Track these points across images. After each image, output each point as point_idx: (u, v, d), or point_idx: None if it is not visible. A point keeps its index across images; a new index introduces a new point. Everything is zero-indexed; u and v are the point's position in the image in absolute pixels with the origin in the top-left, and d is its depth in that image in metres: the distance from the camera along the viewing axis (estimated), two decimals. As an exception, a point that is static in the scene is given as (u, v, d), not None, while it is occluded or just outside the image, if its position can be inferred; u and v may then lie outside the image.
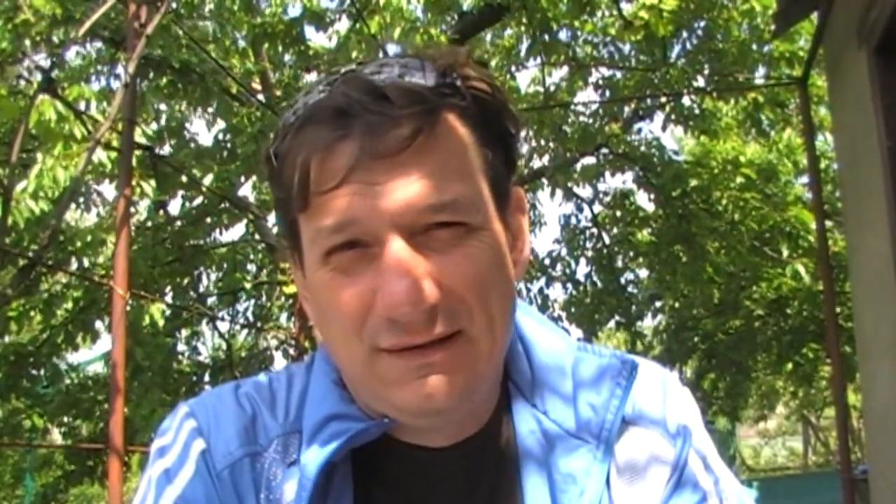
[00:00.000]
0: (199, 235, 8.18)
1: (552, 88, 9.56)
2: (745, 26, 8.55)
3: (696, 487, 0.81)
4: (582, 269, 10.37)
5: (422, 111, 0.70)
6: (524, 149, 9.53)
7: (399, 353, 0.71)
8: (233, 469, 0.78)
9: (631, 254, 10.26)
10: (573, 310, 10.15)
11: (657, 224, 9.78)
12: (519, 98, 9.10)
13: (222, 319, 8.56)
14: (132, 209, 5.62)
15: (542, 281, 10.19)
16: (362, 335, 0.71)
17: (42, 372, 7.12)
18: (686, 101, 9.02)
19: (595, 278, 10.32)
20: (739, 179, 8.94)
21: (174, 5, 6.49)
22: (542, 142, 9.82)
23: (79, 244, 6.25)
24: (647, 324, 11.90)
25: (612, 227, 10.40)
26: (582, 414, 0.80)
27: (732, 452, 18.21)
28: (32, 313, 6.98)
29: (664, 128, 12.82)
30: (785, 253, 9.08)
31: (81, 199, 6.80)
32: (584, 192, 10.35)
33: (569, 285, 10.35)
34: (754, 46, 8.55)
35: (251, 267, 9.20)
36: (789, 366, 10.73)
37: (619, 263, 10.38)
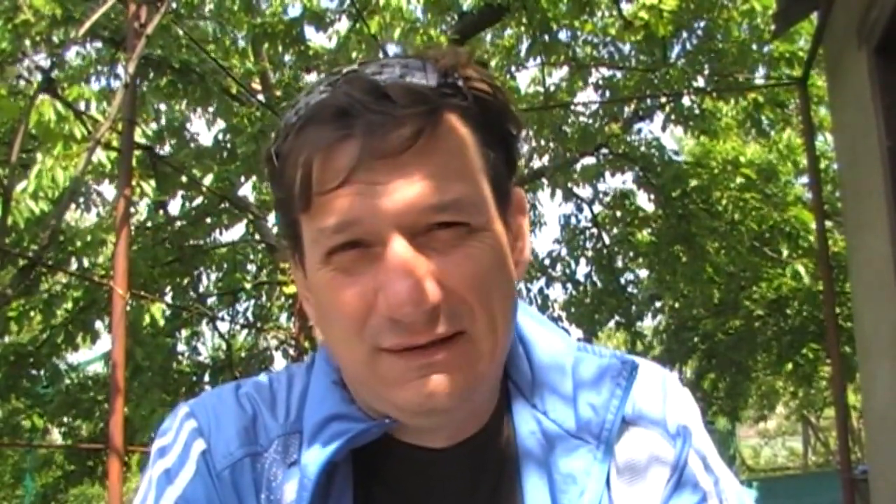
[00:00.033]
0: (199, 235, 8.18)
1: (552, 88, 9.56)
2: (745, 26, 8.55)
3: (696, 488, 0.81)
4: (582, 270, 10.38)
5: (424, 111, 0.70)
6: (524, 149, 9.52)
7: (400, 353, 0.71)
8: (233, 469, 0.78)
9: (631, 254, 10.26)
10: (573, 310, 10.15)
11: (657, 224, 9.78)
12: (519, 98, 9.10)
13: (222, 319, 8.57)
14: (132, 209, 5.62)
15: (542, 281, 10.20)
16: (363, 335, 0.71)
17: (42, 372, 7.12)
18: (686, 101, 9.02)
19: (595, 278, 10.32)
20: (739, 179, 8.94)
21: (174, 5, 6.49)
22: (542, 142, 9.82)
23: (79, 244, 6.25)
24: (647, 324, 11.92)
25: (612, 228, 10.40)
26: (582, 414, 0.80)
27: (732, 452, 18.21)
28: (32, 313, 6.98)
29: (664, 128, 12.85)
30: (785, 253, 9.08)
31: (81, 199, 6.81)
32: (584, 192, 10.37)
33: (569, 285, 10.36)
34: (754, 46, 8.55)
35: (251, 267, 9.19)
36: (789, 366, 10.73)
37: (619, 263, 10.38)
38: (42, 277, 6.97)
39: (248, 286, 8.32)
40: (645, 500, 0.80)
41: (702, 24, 8.55)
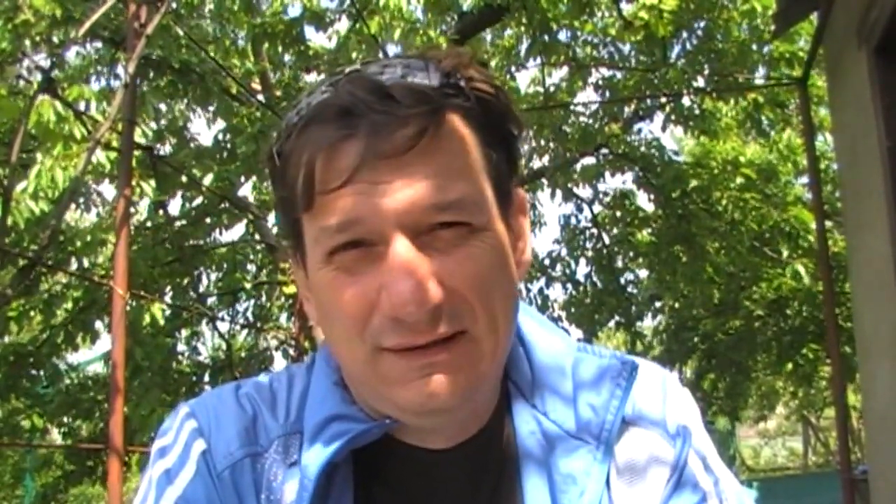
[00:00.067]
0: (199, 235, 8.18)
1: (552, 89, 9.56)
2: (745, 26, 8.55)
3: (695, 488, 0.81)
4: (582, 270, 10.38)
5: (427, 111, 0.70)
6: (524, 149, 9.52)
7: (402, 353, 0.71)
8: (233, 469, 0.78)
9: (631, 254, 10.26)
10: (573, 310, 10.15)
11: (657, 224, 9.78)
12: (519, 98, 9.10)
13: (222, 319, 8.57)
14: (132, 209, 5.62)
15: (542, 281, 10.20)
16: (365, 335, 0.71)
17: (42, 372, 7.12)
18: (686, 101, 9.02)
19: (595, 278, 10.32)
20: (739, 180, 8.94)
21: (174, 5, 6.49)
22: (542, 142, 9.83)
23: (79, 244, 6.25)
24: (647, 324, 11.91)
25: (612, 228, 10.40)
26: (582, 414, 0.80)
27: (732, 452, 18.21)
28: (32, 313, 6.98)
29: (664, 128, 12.85)
30: (785, 253, 9.08)
31: (81, 200, 6.81)
32: (584, 192, 10.37)
33: (569, 285, 10.36)
34: (754, 47, 8.55)
35: (251, 267, 9.19)
36: (789, 366, 10.73)
37: (619, 263, 10.38)
38: (42, 277, 6.96)
39: (248, 286, 8.31)
40: (645, 501, 0.80)
41: (702, 24, 8.55)
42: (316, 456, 0.75)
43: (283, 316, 8.93)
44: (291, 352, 7.55)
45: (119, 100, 4.12)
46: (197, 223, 7.95)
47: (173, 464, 0.79)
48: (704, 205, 9.24)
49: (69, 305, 7.20)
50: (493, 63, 9.21)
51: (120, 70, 7.46)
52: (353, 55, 7.49)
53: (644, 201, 10.02)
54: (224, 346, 8.40)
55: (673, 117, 9.22)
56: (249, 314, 9.05)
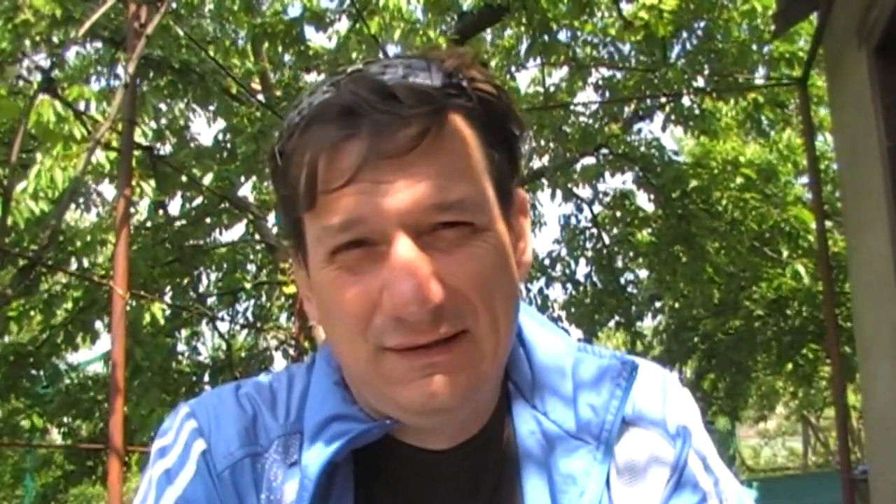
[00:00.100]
0: (199, 235, 8.18)
1: (552, 89, 9.56)
2: (745, 27, 8.55)
3: (695, 488, 0.81)
4: (582, 270, 10.38)
5: (430, 111, 0.70)
6: (525, 149, 9.51)
7: (404, 353, 0.71)
8: (233, 469, 0.78)
9: (631, 254, 10.26)
10: (573, 310, 10.15)
11: (657, 224, 9.78)
12: (519, 98, 9.09)
13: (222, 319, 8.57)
14: (132, 209, 5.62)
15: (542, 281, 10.20)
16: (367, 334, 0.72)
17: (42, 372, 7.12)
18: (686, 101, 9.02)
19: (595, 278, 10.31)
20: (739, 180, 8.94)
21: (174, 5, 6.49)
22: (542, 142, 9.82)
23: (78, 244, 6.25)
24: (647, 324, 11.91)
25: (612, 228, 10.40)
26: (582, 415, 0.80)
27: (732, 452, 18.22)
28: (32, 313, 6.98)
29: (664, 128, 12.86)
30: (785, 253, 9.08)
31: (81, 200, 6.81)
32: (584, 192, 10.37)
33: (569, 285, 10.35)
34: (754, 47, 8.55)
35: (251, 267, 9.19)
36: (789, 366, 10.73)
37: (619, 264, 10.38)
38: (42, 277, 6.96)
39: (248, 286, 8.31)
40: (645, 501, 0.80)
41: (702, 24, 8.55)
42: (316, 456, 0.75)
43: (283, 316, 8.93)
44: (291, 352, 7.55)
45: (119, 100, 4.12)
46: (197, 223, 7.95)
47: (173, 464, 0.79)
48: (704, 205, 9.24)
49: (69, 305, 7.20)
50: (493, 63, 9.21)
51: (120, 70, 7.46)
52: (353, 55, 7.49)
53: (644, 201, 10.04)
54: (224, 346, 8.40)
55: (673, 117, 9.22)
56: (249, 314, 9.05)
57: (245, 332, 9.71)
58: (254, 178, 7.98)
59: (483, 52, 9.10)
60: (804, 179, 9.92)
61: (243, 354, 9.01)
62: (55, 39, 6.10)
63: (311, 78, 8.06)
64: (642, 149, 9.59)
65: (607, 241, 10.31)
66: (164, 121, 8.28)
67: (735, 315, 10.79)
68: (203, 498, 0.77)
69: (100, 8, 4.65)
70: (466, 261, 0.71)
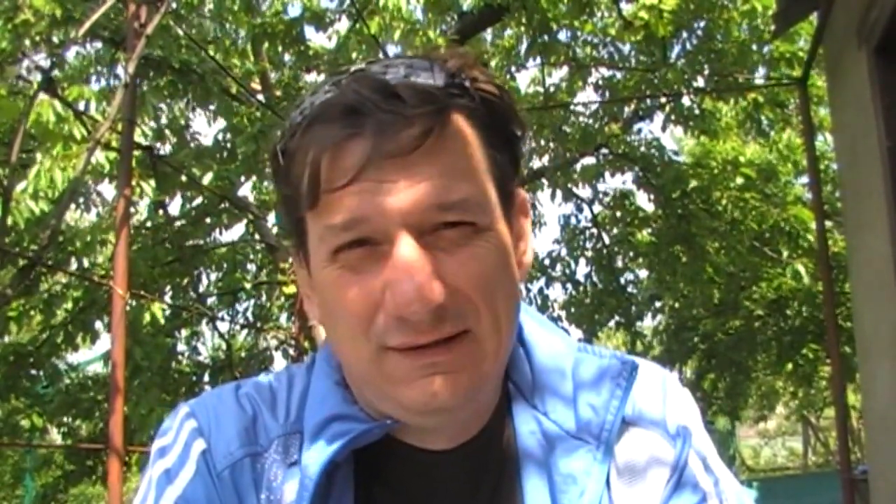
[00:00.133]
0: (199, 235, 8.18)
1: (552, 89, 9.56)
2: (745, 26, 8.54)
3: (695, 488, 0.81)
4: (582, 270, 10.38)
5: (433, 111, 0.70)
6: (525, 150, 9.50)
7: (406, 352, 0.71)
8: (233, 469, 0.78)
9: (631, 254, 10.26)
10: (573, 310, 10.15)
11: (657, 224, 9.77)
12: (519, 98, 9.08)
13: (222, 319, 8.56)
14: (132, 209, 5.62)
15: (542, 281, 10.20)
16: (369, 333, 0.72)
17: (41, 372, 7.12)
18: (686, 101, 9.01)
19: (595, 278, 10.31)
20: (739, 180, 8.94)
21: (174, 5, 6.49)
22: (542, 142, 9.82)
23: (78, 244, 6.25)
24: (647, 324, 11.91)
25: (612, 228, 10.39)
26: (582, 415, 0.80)
27: (732, 452, 18.22)
28: (32, 313, 6.98)
29: (664, 128, 12.86)
30: (785, 253, 9.08)
31: (81, 200, 6.81)
32: (584, 192, 10.37)
33: (569, 285, 10.35)
34: (754, 47, 8.54)
35: (251, 267, 9.19)
36: (789, 366, 10.73)
37: (619, 263, 10.38)
38: (42, 277, 6.96)
39: (248, 286, 8.31)
40: (645, 501, 0.80)
41: (702, 24, 8.55)
42: (317, 455, 0.75)
43: (283, 316, 8.93)
44: (291, 352, 7.55)
45: (119, 100, 4.12)
46: (197, 223, 7.95)
47: (173, 463, 0.79)
48: (704, 205, 9.24)
49: (69, 305, 7.20)
50: (493, 63, 9.20)
51: (120, 70, 7.46)
52: (353, 55, 7.49)
53: (644, 201, 10.03)
54: (224, 346, 8.40)
55: (673, 117, 9.21)
56: (249, 314, 9.05)
57: (245, 332, 9.72)
58: (254, 178, 7.98)
59: (483, 52, 9.10)
60: (804, 179, 9.92)
61: (243, 354, 9.02)
62: (55, 39, 6.10)
63: (311, 78, 8.06)
64: (642, 149, 9.58)
65: (607, 241, 10.31)
66: (164, 120, 8.28)
67: (735, 315, 10.79)
68: (203, 498, 0.77)
69: (100, 8, 4.65)
70: (468, 260, 0.71)
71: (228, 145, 7.44)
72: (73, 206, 6.57)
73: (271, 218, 8.25)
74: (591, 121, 9.68)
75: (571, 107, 9.67)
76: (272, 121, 6.32)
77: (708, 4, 7.98)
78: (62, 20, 5.74)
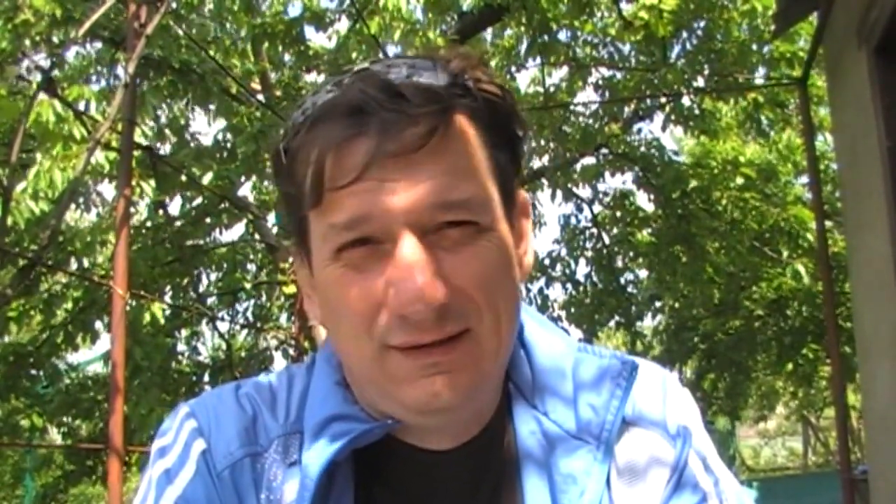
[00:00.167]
0: (199, 235, 8.18)
1: (552, 89, 9.56)
2: (745, 26, 8.54)
3: (695, 488, 0.81)
4: (582, 270, 10.37)
5: (437, 111, 0.70)
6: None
7: (408, 352, 0.71)
8: (233, 469, 0.78)
9: (631, 254, 10.26)
10: (573, 310, 10.14)
11: (657, 224, 9.77)
12: (519, 98, 9.03)
13: (222, 319, 8.56)
14: (132, 209, 5.62)
15: (542, 281, 10.20)
16: (372, 333, 0.72)
17: (41, 372, 7.12)
18: (686, 101, 9.01)
19: (595, 278, 10.31)
20: (739, 180, 8.94)
21: (174, 5, 6.49)
22: (542, 142, 9.82)
23: (78, 244, 6.25)
24: (647, 324, 11.91)
25: (612, 228, 10.39)
26: (582, 415, 0.80)
27: (732, 452, 18.21)
28: (32, 313, 6.98)
29: (664, 128, 12.86)
30: (785, 253, 9.08)
31: (81, 200, 6.81)
32: (584, 192, 10.37)
33: (569, 285, 10.35)
34: (754, 47, 8.54)
35: (251, 267, 9.19)
36: (789, 366, 10.73)
37: (619, 263, 10.37)
38: (42, 277, 6.96)
39: (248, 286, 8.31)
40: (645, 501, 0.80)
41: (702, 24, 8.54)
42: (318, 455, 0.75)
43: (283, 316, 8.93)
44: (291, 352, 7.55)
45: (119, 100, 4.12)
46: (197, 223, 7.95)
47: (173, 463, 0.79)
48: (704, 205, 9.23)
49: (69, 305, 7.20)
50: (493, 63, 9.20)
51: (120, 70, 7.46)
52: (353, 55, 7.49)
53: (644, 201, 10.03)
54: (224, 346, 8.40)
55: (673, 117, 9.21)
56: (249, 314, 9.05)
57: (245, 332, 9.72)
58: (254, 178, 7.97)
59: (483, 52, 9.09)
60: (804, 179, 9.92)
61: (243, 354, 9.01)
62: (55, 39, 6.10)
63: (311, 78, 8.06)
64: (642, 149, 9.58)
65: (607, 241, 10.31)
66: (164, 119, 8.29)
67: (735, 315, 10.79)
68: (203, 497, 0.77)
69: (100, 8, 4.65)
70: (471, 260, 0.72)
71: (228, 145, 7.44)
72: (73, 206, 6.57)
73: (271, 218, 8.25)
74: (591, 121, 9.68)
75: (571, 107, 9.67)
76: (272, 121, 6.32)
77: (708, 4, 7.98)
78: (62, 20, 5.74)
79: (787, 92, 8.51)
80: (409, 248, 0.69)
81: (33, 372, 7.06)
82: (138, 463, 6.96)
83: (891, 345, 3.53)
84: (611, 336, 13.15)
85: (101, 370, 8.99)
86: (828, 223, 7.22)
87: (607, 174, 9.98)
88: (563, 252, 10.35)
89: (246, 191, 8.75)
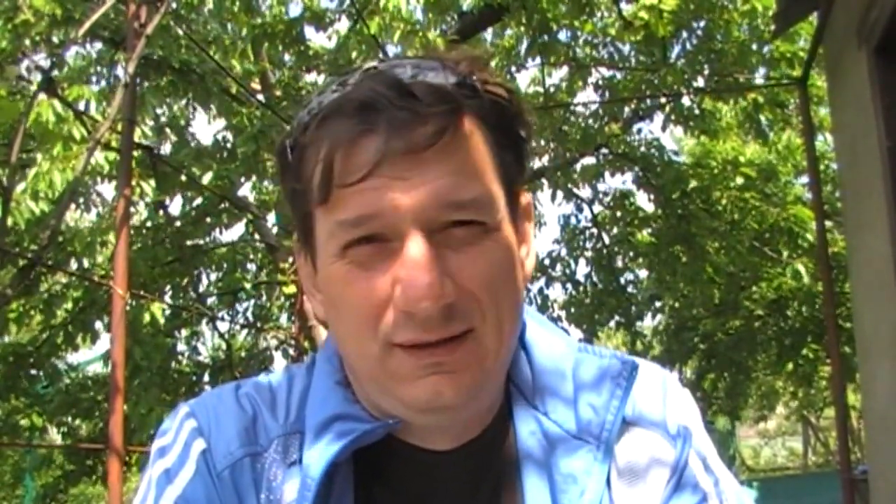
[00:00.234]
0: (199, 235, 8.18)
1: (552, 89, 9.56)
2: (745, 27, 8.54)
3: (696, 488, 0.81)
4: (582, 270, 10.37)
5: (447, 110, 0.70)
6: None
7: (411, 350, 0.71)
8: (233, 469, 0.78)
9: (631, 254, 10.25)
10: (573, 310, 10.14)
11: (657, 224, 9.77)
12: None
13: (222, 319, 8.56)
14: (132, 209, 5.62)
15: (542, 281, 10.19)
16: (376, 330, 0.72)
17: (41, 372, 7.12)
18: (686, 101, 9.01)
19: (595, 278, 10.31)
20: (739, 180, 8.94)
21: (174, 5, 6.49)
22: (542, 142, 9.82)
23: (78, 245, 6.25)
24: (647, 324, 11.90)
25: (612, 228, 10.39)
26: (582, 415, 0.80)
27: (732, 452, 18.21)
28: (32, 313, 6.98)
29: (664, 128, 12.85)
30: (785, 253, 9.08)
31: (81, 200, 6.80)
32: (584, 192, 10.36)
33: (568, 285, 10.35)
34: (754, 47, 8.54)
35: (251, 267, 9.19)
36: (789, 366, 10.73)
37: (619, 263, 10.37)
38: (42, 277, 6.96)
39: (248, 286, 8.31)
40: (645, 501, 0.80)
41: (702, 24, 8.54)
42: (319, 455, 0.75)
43: (283, 316, 8.93)
44: (291, 352, 7.55)
45: (119, 100, 4.12)
46: (197, 223, 7.95)
47: (173, 463, 0.79)
48: (704, 205, 9.23)
49: (69, 305, 7.20)
50: (493, 63, 9.19)
51: (120, 70, 7.45)
52: (353, 55, 7.48)
53: (644, 201, 10.03)
54: (224, 346, 8.39)
55: (673, 117, 9.21)
56: (249, 314, 9.05)
57: (245, 332, 9.71)
58: (254, 178, 7.97)
59: (487, 53, 9.09)
60: (804, 179, 9.92)
61: (243, 354, 9.01)
62: (55, 39, 6.10)
63: (311, 78, 8.05)
64: (642, 149, 9.58)
65: (607, 241, 10.31)
66: (164, 119, 8.28)
67: (735, 315, 10.79)
68: (203, 497, 0.77)
69: (100, 8, 4.65)
70: (477, 260, 0.72)
71: (228, 145, 7.44)
72: (73, 206, 6.57)
73: (271, 218, 8.25)
74: (591, 121, 9.68)
75: (571, 107, 9.66)
76: (272, 121, 6.32)
77: (708, 4, 7.98)
78: (62, 20, 5.74)
79: (787, 92, 8.51)
80: (417, 246, 0.70)
81: (33, 372, 7.06)
82: (138, 463, 6.96)
83: (891, 345, 3.53)
84: (611, 336, 13.14)
85: (100, 370, 8.99)
86: (828, 223, 7.22)
87: (607, 174, 9.98)
88: (563, 252, 10.35)
89: (246, 191, 8.76)
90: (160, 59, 6.25)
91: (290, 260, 6.56)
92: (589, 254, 10.36)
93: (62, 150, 5.05)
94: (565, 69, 9.37)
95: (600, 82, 9.23)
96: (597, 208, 10.38)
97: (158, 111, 8.14)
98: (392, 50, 7.18)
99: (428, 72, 0.73)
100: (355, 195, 0.70)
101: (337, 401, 0.79)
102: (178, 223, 7.94)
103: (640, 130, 10.00)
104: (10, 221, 4.85)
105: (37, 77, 5.58)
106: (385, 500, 0.80)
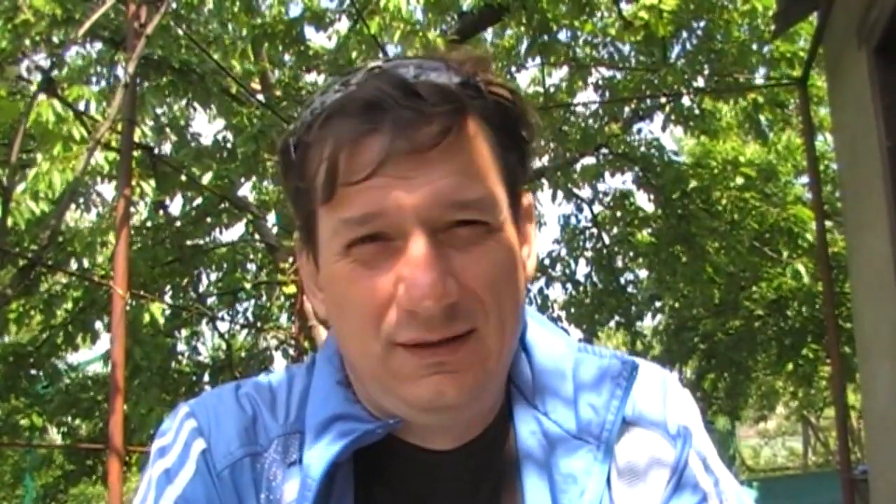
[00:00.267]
0: (199, 235, 8.18)
1: (552, 89, 9.55)
2: (745, 26, 8.54)
3: (696, 489, 0.81)
4: (582, 270, 10.37)
5: (451, 110, 0.71)
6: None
7: (414, 350, 0.71)
8: (233, 469, 0.78)
9: (631, 254, 10.25)
10: (573, 310, 10.14)
11: (657, 224, 9.77)
12: (519, 98, 9.05)
13: (222, 319, 8.56)
14: (132, 209, 5.62)
15: (542, 281, 10.19)
16: (379, 329, 0.72)
17: (41, 372, 7.12)
18: (686, 101, 9.01)
19: (595, 278, 10.30)
20: (739, 180, 8.94)
21: (174, 5, 6.48)
22: (542, 142, 9.81)
23: (78, 245, 6.25)
24: (647, 324, 11.90)
25: (612, 228, 10.39)
26: (582, 415, 0.80)
27: (732, 452, 18.21)
28: (32, 313, 6.98)
29: (664, 128, 12.86)
30: (785, 253, 9.08)
31: (81, 200, 6.80)
32: (584, 192, 10.36)
33: (568, 285, 10.34)
34: (754, 47, 8.54)
35: (251, 267, 9.19)
36: (789, 366, 10.73)
37: (619, 263, 10.37)
38: (42, 277, 6.96)
39: (248, 286, 8.31)
40: (645, 501, 0.80)
41: (702, 24, 8.54)
42: (320, 455, 0.75)
43: (283, 316, 8.93)
44: (291, 352, 7.55)
45: (119, 100, 4.12)
46: (197, 223, 7.95)
47: (173, 463, 0.79)
48: (704, 205, 9.23)
49: (69, 305, 7.20)
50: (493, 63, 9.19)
51: (120, 70, 7.45)
52: (353, 55, 7.48)
53: (644, 201, 10.03)
54: (224, 346, 8.39)
55: (673, 117, 9.21)
56: (249, 314, 9.05)
57: (245, 332, 9.71)
58: (254, 178, 7.97)
59: (489, 54, 9.08)
60: (804, 179, 9.92)
61: (243, 354, 9.01)
62: (55, 39, 6.10)
63: (311, 78, 8.05)
64: (642, 149, 9.58)
65: (607, 241, 10.30)
66: (164, 119, 8.28)
67: (735, 315, 10.79)
68: (203, 497, 0.77)
69: (100, 8, 4.65)
70: (480, 259, 0.72)
71: (228, 145, 7.44)
72: (72, 206, 6.57)
73: (271, 218, 8.25)
74: (591, 121, 9.68)
75: (571, 107, 9.66)
76: (272, 121, 6.32)
77: (708, 4, 7.98)
78: (62, 20, 5.74)
79: (787, 92, 8.51)
80: (421, 245, 0.70)
81: (33, 372, 7.06)
82: (138, 463, 6.96)
83: (891, 345, 3.53)
84: (611, 336, 13.14)
85: (100, 370, 8.99)
86: (828, 223, 7.22)
87: (607, 174, 9.98)
88: (563, 252, 10.35)
89: (246, 191, 8.76)
90: (160, 59, 6.25)
91: (291, 260, 6.57)
92: (589, 254, 10.36)
93: (62, 150, 5.04)
94: (565, 69, 9.37)
95: (600, 82, 9.23)
96: (597, 208, 10.38)
97: (158, 111, 8.14)
98: (392, 50, 7.18)
99: (431, 72, 0.73)
100: (360, 193, 0.70)
101: (337, 401, 0.79)
102: (178, 223, 7.94)
103: (640, 130, 10.01)
104: (10, 221, 4.85)
105: (37, 77, 5.58)
106: (385, 499, 0.80)
